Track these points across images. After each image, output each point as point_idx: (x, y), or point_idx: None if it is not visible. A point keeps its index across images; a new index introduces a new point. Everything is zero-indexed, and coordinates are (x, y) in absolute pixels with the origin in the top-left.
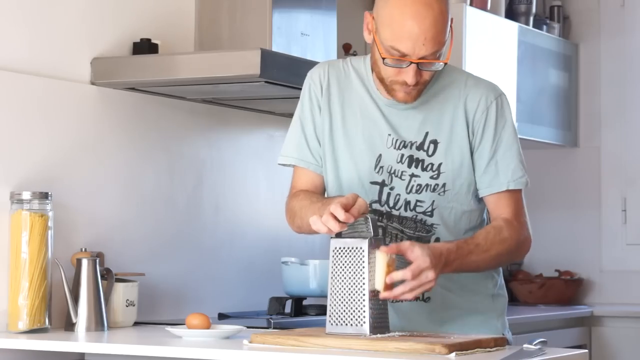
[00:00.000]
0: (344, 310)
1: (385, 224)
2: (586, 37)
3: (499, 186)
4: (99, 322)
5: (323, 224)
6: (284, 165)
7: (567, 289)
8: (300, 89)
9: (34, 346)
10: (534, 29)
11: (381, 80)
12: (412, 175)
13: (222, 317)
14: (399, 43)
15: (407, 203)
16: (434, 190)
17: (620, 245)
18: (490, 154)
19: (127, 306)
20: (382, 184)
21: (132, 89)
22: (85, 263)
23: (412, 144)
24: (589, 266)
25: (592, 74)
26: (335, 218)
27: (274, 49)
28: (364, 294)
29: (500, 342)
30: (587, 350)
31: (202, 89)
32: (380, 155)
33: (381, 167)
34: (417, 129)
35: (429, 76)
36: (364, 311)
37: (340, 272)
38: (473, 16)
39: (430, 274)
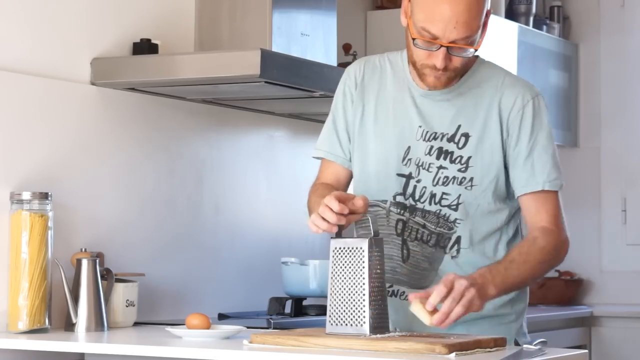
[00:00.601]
0: (344, 311)
1: (407, 218)
2: (586, 37)
3: (535, 185)
4: (99, 323)
5: (318, 217)
6: (315, 158)
7: (567, 289)
8: (300, 89)
9: (34, 346)
10: (534, 29)
11: (413, 64)
12: (440, 167)
13: (222, 317)
14: (431, 25)
15: (433, 196)
16: (460, 183)
17: (620, 246)
18: (526, 154)
19: (127, 306)
20: (409, 177)
21: (132, 89)
22: (85, 263)
23: (443, 136)
24: (589, 266)
25: (592, 74)
26: (331, 210)
27: (274, 49)
28: (364, 294)
29: (500, 342)
30: (587, 351)
31: (202, 89)
32: (409, 148)
33: (409, 159)
34: (450, 121)
35: (459, 63)
36: (364, 311)
37: (341, 272)
38: None
39: (462, 282)
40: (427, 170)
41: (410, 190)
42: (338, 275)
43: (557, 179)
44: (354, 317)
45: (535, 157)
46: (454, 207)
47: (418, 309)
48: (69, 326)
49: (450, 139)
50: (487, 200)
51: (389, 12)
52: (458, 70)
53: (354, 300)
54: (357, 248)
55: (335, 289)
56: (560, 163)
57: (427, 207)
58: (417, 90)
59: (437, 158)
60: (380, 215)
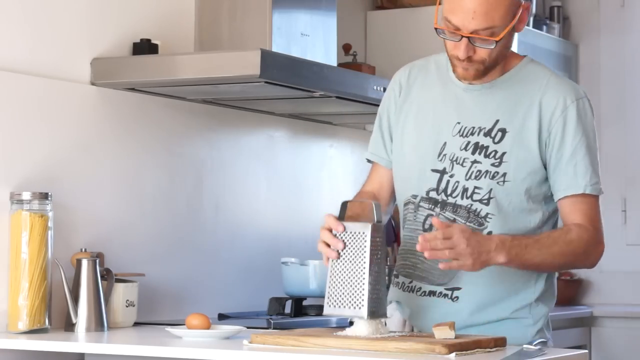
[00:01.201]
0: (344, 293)
1: (437, 213)
2: (586, 38)
3: (576, 189)
4: (99, 323)
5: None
6: (367, 161)
7: (567, 289)
8: (300, 89)
9: (34, 346)
10: (534, 30)
11: (448, 56)
12: (474, 162)
13: (222, 317)
14: (452, 15)
15: (465, 190)
16: (493, 177)
17: (620, 246)
18: (569, 158)
19: (127, 306)
20: (443, 172)
21: (132, 89)
22: (85, 263)
23: (480, 130)
24: None
25: (592, 74)
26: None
27: (274, 49)
28: (364, 278)
29: (500, 343)
30: (587, 351)
31: (202, 90)
32: (445, 143)
33: (444, 154)
34: (489, 115)
35: (485, 54)
36: (363, 294)
37: (342, 255)
38: None
39: (462, 242)
40: (462, 165)
41: (443, 185)
42: (340, 258)
43: (598, 184)
44: (352, 299)
45: (579, 161)
46: (485, 201)
47: (439, 331)
48: (69, 326)
49: (487, 134)
50: (520, 198)
51: (389, 12)
52: (486, 61)
53: (354, 283)
54: (359, 233)
55: (336, 271)
56: (599, 168)
57: (459, 201)
58: (459, 85)
59: (472, 153)
60: (409, 210)
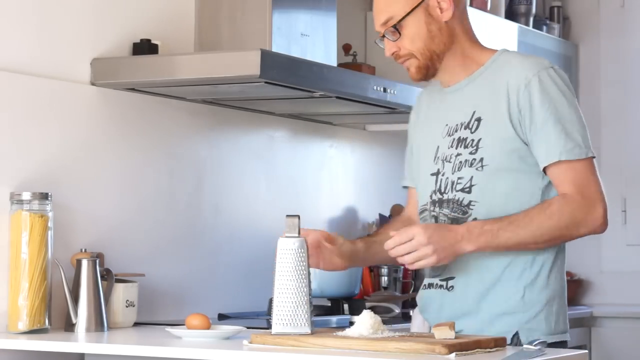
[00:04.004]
0: (289, 312)
1: (437, 212)
2: (586, 38)
3: (553, 157)
4: (99, 323)
5: None
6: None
7: (567, 289)
8: (300, 89)
9: (34, 347)
10: (534, 30)
11: None
12: (457, 155)
13: (222, 317)
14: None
15: (452, 183)
16: (471, 165)
17: (620, 246)
18: (540, 128)
19: (127, 307)
20: (437, 173)
21: (132, 89)
22: (85, 263)
23: (461, 125)
24: (589, 267)
25: (592, 75)
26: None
27: (274, 49)
28: (305, 295)
29: (500, 342)
30: (587, 351)
31: (202, 90)
32: (437, 147)
33: (438, 157)
34: (468, 109)
35: (408, 46)
36: (306, 312)
37: (285, 273)
38: (473, 17)
39: (421, 239)
40: (449, 161)
41: (438, 185)
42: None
43: (576, 148)
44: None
45: (550, 130)
46: (467, 189)
47: (438, 331)
48: (69, 326)
49: (467, 126)
50: (505, 180)
51: None
52: (415, 54)
53: (297, 301)
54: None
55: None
56: (583, 131)
57: (449, 196)
58: (444, 90)
59: (456, 148)
60: (424, 218)
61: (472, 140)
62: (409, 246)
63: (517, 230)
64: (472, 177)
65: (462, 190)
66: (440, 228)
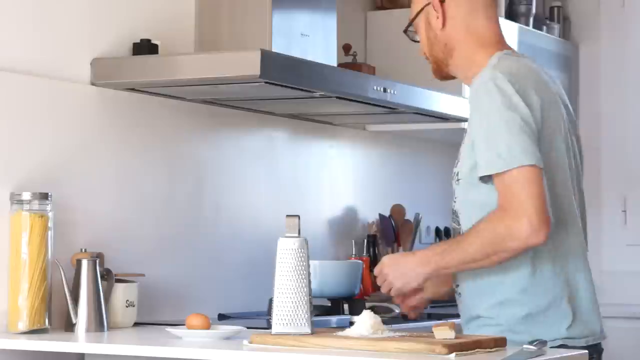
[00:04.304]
0: (289, 312)
1: (451, 224)
2: (586, 38)
3: (480, 172)
4: (99, 323)
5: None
6: None
7: None
8: (300, 89)
9: (33, 347)
10: (534, 30)
11: None
12: (455, 166)
13: (222, 317)
14: None
15: (452, 195)
16: (454, 179)
17: (620, 246)
18: (472, 145)
19: (127, 307)
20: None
21: (132, 89)
22: (85, 264)
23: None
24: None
25: (592, 75)
26: None
27: (274, 49)
28: (305, 295)
29: (500, 342)
30: (587, 351)
31: (202, 90)
32: (456, 162)
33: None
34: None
35: (424, 48)
36: (306, 312)
37: (285, 273)
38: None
39: (378, 269)
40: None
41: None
42: (283, 276)
43: (493, 160)
44: (297, 318)
45: (477, 145)
46: (455, 201)
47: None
48: (69, 326)
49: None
50: (478, 192)
51: (389, 13)
52: (428, 56)
53: (297, 301)
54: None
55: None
56: (511, 140)
57: (452, 207)
58: None
59: (458, 158)
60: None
61: (459, 152)
62: (380, 278)
63: (457, 249)
64: (454, 190)
65: (454, 202)
66: (399, 258)
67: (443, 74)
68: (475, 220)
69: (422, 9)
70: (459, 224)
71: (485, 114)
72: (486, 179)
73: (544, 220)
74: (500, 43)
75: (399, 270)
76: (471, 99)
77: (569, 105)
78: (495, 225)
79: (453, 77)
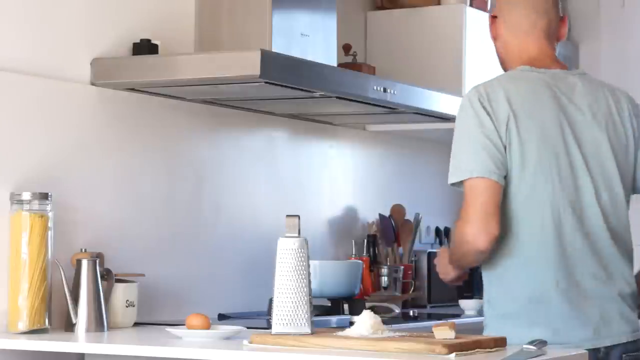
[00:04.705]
0: (289, 312)
1: None
2: (586, 38)
3: (448, 181)
4: (99, 323)
5: None
6: None
7: None
8: (300, 89)
9: (33, 347)
10: None
11: None
12: None
13: (222, 317)
14: None
15: None
16: None
17: None
18: None
19: (127, 307)
20: None
21: (132, 89)
22: (85, 263)
23: None
24: None
25: (592, 75)
26: None
27: (274, 49)
28: (305, 295)
29: (500, 343)
30: (586, 351)
31: (202, 90)
32: None
33: None
34: None
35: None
36: (306, 312)
37: (285, 273)
38: (473, 17)
39: (434, 261)
40: None
41: None
42: (283, 276)
43: (452, 172)
44: (297, 317)
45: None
46: None
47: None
48: (69, 326)
49: None
50: None
51: (389, 13)
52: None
53: (297, 301)
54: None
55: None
56: (469, 152)
57: None
58: None
59: None
60: None
61: None
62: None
63: (454, 252)
64: None
65: None
66: (442, 251)
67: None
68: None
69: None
70: None
71: (456, 128)
72: (457, 184)
73: (484, 227)
74: (533, 59)
75: (440, 264)
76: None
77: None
78: (456, 231)
79: None
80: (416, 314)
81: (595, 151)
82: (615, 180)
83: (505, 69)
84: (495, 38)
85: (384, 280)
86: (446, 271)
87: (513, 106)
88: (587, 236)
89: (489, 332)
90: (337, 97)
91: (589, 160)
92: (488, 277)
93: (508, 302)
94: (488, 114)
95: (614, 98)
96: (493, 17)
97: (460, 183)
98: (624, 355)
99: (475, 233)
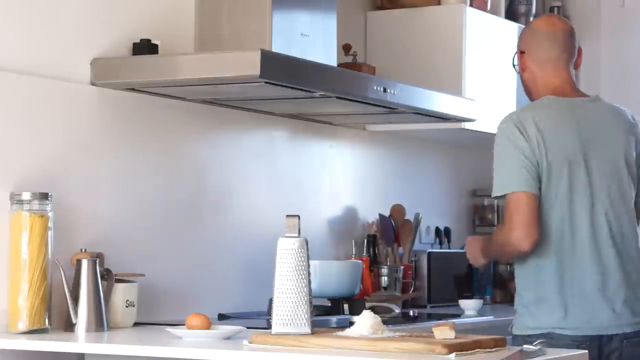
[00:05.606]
0: (289, 312)
1: None
2: (586, 38)
3: (492, 194)
4: (99, 323)
5: None
6: None
7: None
8: (300, 89)
9: (33, 347)
10: None
11: None
12: None
13: (222, 317)
14: None
15: None
16: None
17: None
18: None
19: (127, 307)
20: None
21: (132, 89)
22: (85, 263)
23: None
24: None
25: (592, 75)
26: None
27: (274, 49)
28: (305, 295)
29: (500, 343)
30: (586, 351)
31: (202, 90)
32: None
33: None
34: None
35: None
36: (306, 312)
37: (285, 273)
38: (473, 17)
39: (465, 247)
40: None
41: None
42: (283, 276)
43: (496, 186)
44: (297, 318)
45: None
46: None
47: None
48: (69, 326)
49: None
50: None
51: (389, 13)
52: (523, 88)
53: (297, 301)
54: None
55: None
56: (509, 172)
57: None
58: None
59: None
60: None
61: None
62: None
63: (491, 246)
64: None
65: None
66: (473, 239)
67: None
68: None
69: (516, 52)
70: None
71: (496, 150)
72: (500, 197)
73: (528, 233)
74: (559, 89)
75: (470, 251)
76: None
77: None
78: (500, 233)
79: None
80: (416, 314)
81: (613, 168)
82: (629, 195)
83: (531, 98)
84: (523, 70)
85: (384, 280)
86: (477, 259)
87: (541, 131)
88: (614, 241)
89: (521, 319)
90: (337, 97)
91: (607, 177)
92: (527, 270)
93: (531, 293)
94: (523, 137)
95: (623, 118)
96: (521, 53)
97: (503, 196)
98: (625, 341)
99: (521, 238)
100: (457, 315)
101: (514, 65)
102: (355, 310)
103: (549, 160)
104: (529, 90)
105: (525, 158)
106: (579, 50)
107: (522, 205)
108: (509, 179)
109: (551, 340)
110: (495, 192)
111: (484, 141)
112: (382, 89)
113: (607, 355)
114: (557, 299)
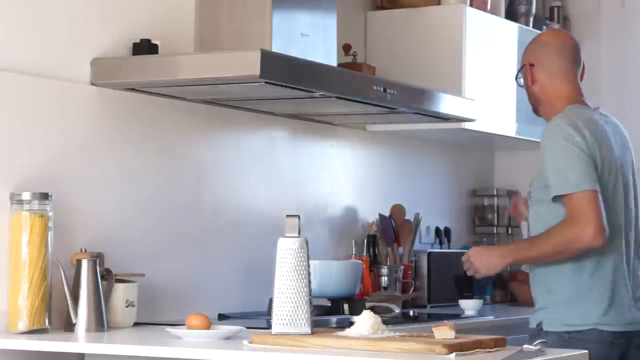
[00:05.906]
0: (289, 312)
1: None
2: (586, 38)
3: (549, 196)
4: (99, 323)
5: None
6: None
7: None
8: (300, 89)
9: (33, 347)
10: (534, 30)
11: None
12: None
13: (222, 317)
14: None
15: None
16: (527, 196)
17: None
18: (544, 174)
19: (127, 307)
20: None
21: (132, 89)
22: (85, 263)
23: None
24: None
25: (592, 75)
26: None
27: (274, 49)
28: (305, 295)
29: (500, 343)
30: (587, 351)
31: (202, 90)
32: None
33: None
34: None
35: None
36: (306, 312)
37: (285, 273)
38: (473, 17)
39: (466, 255)
40: None
41: None
42: (283, 276)
43: (559, 185)
44: (297, 318)
45: (548, 173)
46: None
47: (439, 331)
48: (69, 326)
49: None
50: (535, 205)
51: (389, 13)
52: (529, 101)
53: (297, 301)
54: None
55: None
56: (577, 171)
57: None
58: None
59: None
60: None
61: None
62: (468, 262)
63: (532, 246)
64: (528, 203)
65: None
66: (483, 249)
67: (536, 113)
68: (539, 230)
69: (523, 66)
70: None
71: (553, 150)
72: (556, 198)
73: (603, 228)
74: (572, 99)
75: (483, 260)
76: (543, 138)
77: (627, 145)
78: (568, 231)
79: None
80: (416, 314)
81: (630, 171)
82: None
83: (538, 110)
84: (533, 83)
85: (384, 280)
86: (494, 267)
87: (592, 132)
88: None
89: (556, 316)
90: (337, 97)
91: (630, 179)
92: (563, 269)
93: (557, 288)
94: (581, 137)
95: (623, 132)
96: (531, 65)
97: (562, 195)
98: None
99: (596, 233)
100: (457, 315)
101: (516, 79)
102: (355, 310)
103: (601, 162)
104: (537, 101)
105: (588, 157)
106: (583, 64)
107: (595, 202)
108: (578, 178)
109: (588, 336)
110: (564, 190)
111: (484, 141)
112: (382, 89)
113: (637, 347)
114: (600, 296)
